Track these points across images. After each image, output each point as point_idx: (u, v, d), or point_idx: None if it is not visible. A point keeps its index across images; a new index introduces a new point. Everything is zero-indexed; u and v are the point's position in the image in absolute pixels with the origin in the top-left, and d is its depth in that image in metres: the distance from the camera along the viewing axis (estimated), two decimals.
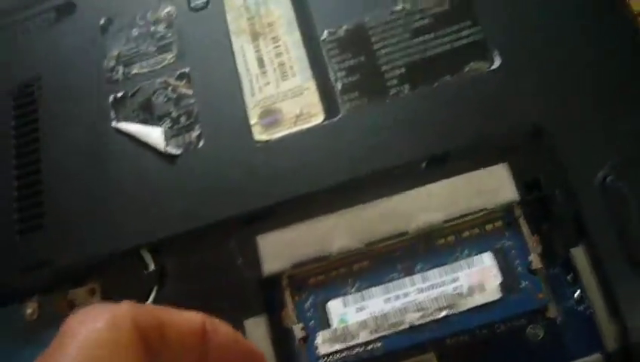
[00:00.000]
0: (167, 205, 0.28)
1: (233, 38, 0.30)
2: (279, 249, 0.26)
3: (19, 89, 0.32)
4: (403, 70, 0.28)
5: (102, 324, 0.16)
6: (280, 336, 0.25)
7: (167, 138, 0.29)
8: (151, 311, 0.17)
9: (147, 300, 0.27)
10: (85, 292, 0.28)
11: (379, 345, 0.24)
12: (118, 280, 0.28)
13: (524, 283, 0.25)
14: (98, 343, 0.16)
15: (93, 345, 0.16)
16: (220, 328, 0.19)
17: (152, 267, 0.27)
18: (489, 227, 0.26)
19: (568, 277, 0.25)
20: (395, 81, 0.28)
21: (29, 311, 0.29)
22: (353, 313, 0.25)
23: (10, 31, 0.34)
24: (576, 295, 0.25)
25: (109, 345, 0.16)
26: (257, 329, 0.25)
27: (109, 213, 0.28)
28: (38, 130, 0.31)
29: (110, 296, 0.28)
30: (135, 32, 0.32)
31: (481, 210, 0.25)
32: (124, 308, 0.17)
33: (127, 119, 0.30)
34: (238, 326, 0.25)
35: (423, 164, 0.26)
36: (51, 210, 0.29)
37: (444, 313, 0.24)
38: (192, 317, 0.18)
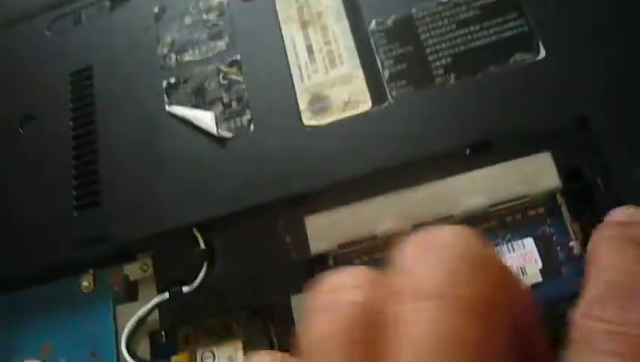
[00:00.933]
0: (219, 186, 0.29)
1: (283, 27, 0.31)
2: (326, 229, 0.27)
3: (77, 72, 0.33)
4: (449, 60, 0.28)
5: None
6: None
7: (219, 122, 0.30)
8: None
9: (197, 276, 0.28)
10: (138, 268, 0.30)
11: None
12: (169, 257, 0.29)
13: (564, 269, 0.25)
14: None
15: None
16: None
17: (202, 245, 0.29)
18: (531, 213, 0.26)
19: None
20: (440, 71, 0.28)
21: (85, 283, 0.30)
22: None
23: (68, 19, 0.35)
24: None
25: None
26: (304, 305, 0.26)
27: (161, 193, 0.29)
28: (94, 113, 0.32)
29: (161, 271, 0.29)
30: (188, 20, 0.33)
31: (524, 197, 0.26)
32: None
33: (179, 104, 0.31)
34: (285, 301, 0.27)
35: (467, 151, 0.27)
36: (107, 189, 0.30)
37: None
38: None
